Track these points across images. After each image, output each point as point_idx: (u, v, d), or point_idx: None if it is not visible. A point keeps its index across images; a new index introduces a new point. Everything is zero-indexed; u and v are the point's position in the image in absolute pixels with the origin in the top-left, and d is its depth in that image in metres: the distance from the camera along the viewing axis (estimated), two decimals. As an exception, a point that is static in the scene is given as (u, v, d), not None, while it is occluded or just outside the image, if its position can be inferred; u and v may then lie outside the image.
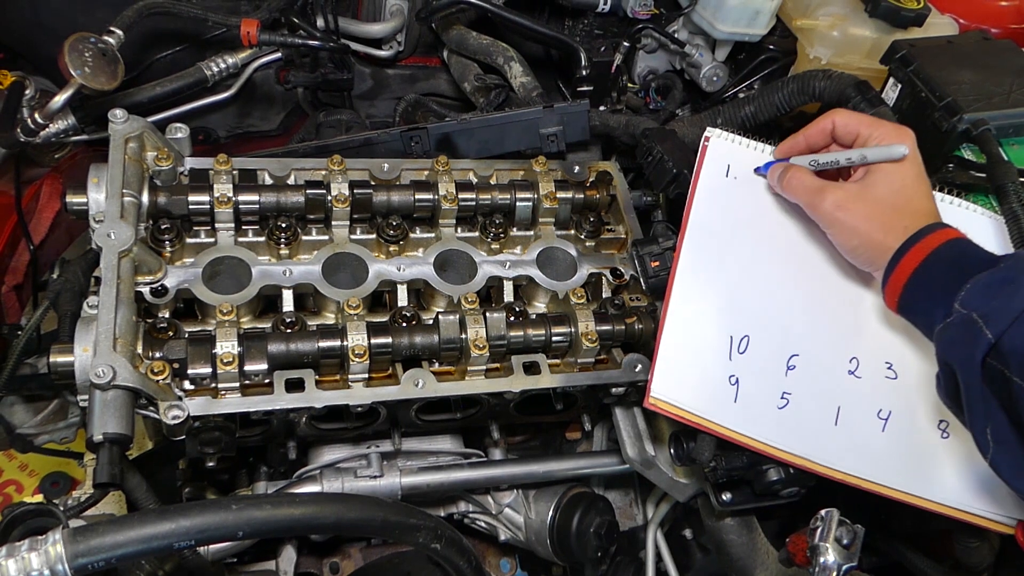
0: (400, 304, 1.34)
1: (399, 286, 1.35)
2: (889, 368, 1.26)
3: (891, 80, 1.54)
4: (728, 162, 1.33)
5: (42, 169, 1.79)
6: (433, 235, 1.42)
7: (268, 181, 1.39)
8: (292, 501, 0.98)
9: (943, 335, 1.04)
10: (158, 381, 1.10)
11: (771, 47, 1.80)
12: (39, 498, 1.76)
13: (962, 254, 1.08)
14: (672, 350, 1.24)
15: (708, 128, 1.34)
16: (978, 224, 1.32)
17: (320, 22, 1.77)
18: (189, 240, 1.30)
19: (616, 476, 1.73)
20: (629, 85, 1.91)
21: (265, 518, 0.94)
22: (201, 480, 1.48)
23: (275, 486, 1.43)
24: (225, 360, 1.15)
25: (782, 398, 1.24)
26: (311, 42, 1.65)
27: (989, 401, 0.97)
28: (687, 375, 1.23)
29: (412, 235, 1.40)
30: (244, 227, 1.34)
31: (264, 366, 1.18)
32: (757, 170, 1.32)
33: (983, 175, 1.35)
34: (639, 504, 1.79)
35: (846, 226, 1.19)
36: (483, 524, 1.64)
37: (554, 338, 1.31)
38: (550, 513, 1.56)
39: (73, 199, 1.24)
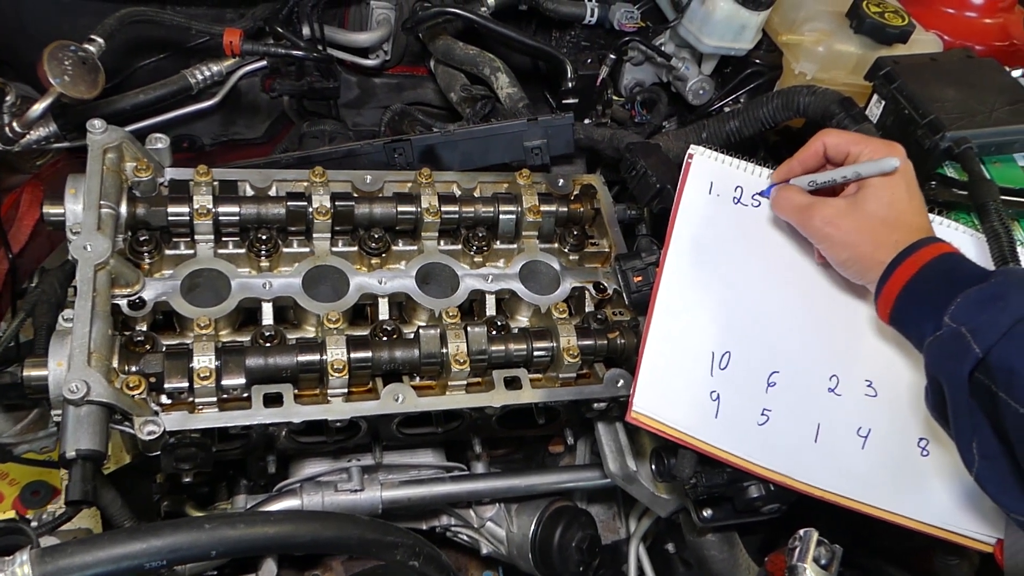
0: (381, 317, 1.33)
1: (380, 299, 1.34)
2: (869, 386, 1.26)
3: (875, 96, 1.54)
4: (711, 179, 1.33)
5: (23, 176, 1.78)
6: (415, 248, 1.41)
7: (249, 192, 1.38)
8: (267, 519, 0.97)
9: (932, 348, 1.05)
10: (133, 396, 1.09)
11: (757, 61, 1.81)
12: (12, 514, 1.74)
13: (953, 268, 1.09)
14: (654, 365, 1.24)
15: (692, 146, 1.34)
16: (959, 242, 1.31)
17: (306, 31, 1.77)
18: (168, 252, 1.29)
19: (599, 489, 1.73)
20: (615, 98, 1.91)
21: (239, 537, 0.94)
22: (180, 494, 1.46)
23: (255, 500, 1.42)
24: (202, 374, 1.14)
25: (762, 415, 1.24)
26: (294, 51, 1.64)
27: (975, 415, 0.98)
28: (669, 390, 1.23)
29: (394, 248, 1.39)
30: (224, 239, 1.33)
31: (242, 380, 1.17)
32: (762, 194, 1.32)
33: (965, 193, 1.35)
34: (622, 518, 1.79)
35: (836, 241, 1.19)
36: (465, 537, 1.63)
37: (536, 353, 1.31)
38: (532, 527, 1.55)
39: (50, 210, 1.23)
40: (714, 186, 1.32)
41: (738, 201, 1.32)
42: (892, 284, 1.12)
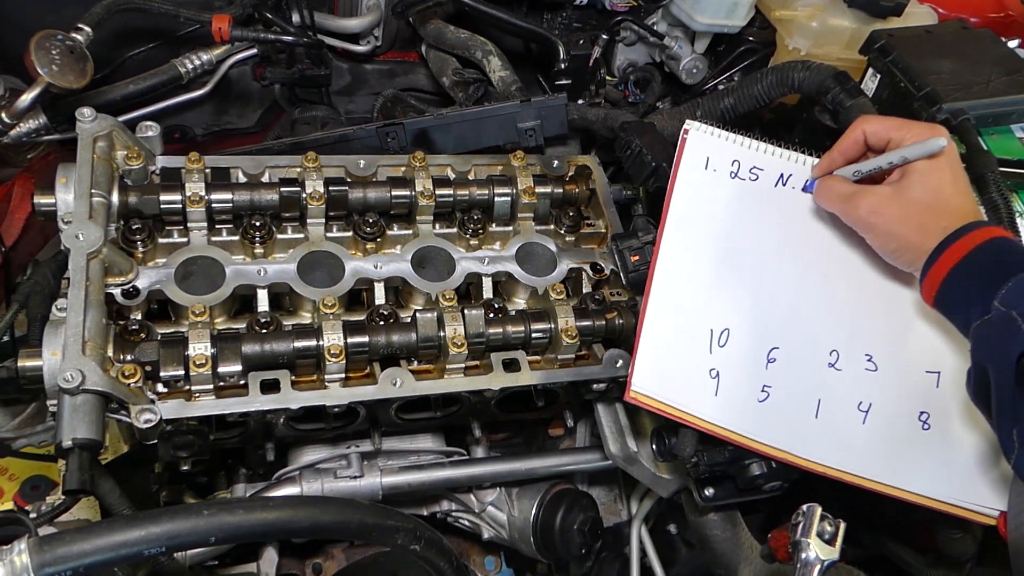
0: (378, 302, 1.33)
1: (376, 284, 1.33)
2: (869, 360, 1.25)
3: (870, 70, 1.53)
4: (707, 154, 1.32)
5: (14, 169, 1.76)
6: (410, 232, 1.41)
7: (242, 179, 1.37)
8: (265, 505, 0.96)
9: (979, 332, 1.03)
10: (129, 384, 1.08)
11: (750, 38, 1.80)
12: (9, 505, 1.74)
13: (1006, 251, 1.06)
14: (653, 343, 1.23)
15: (687, 121, 1.33)
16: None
17: (295, 17, 1.75)
18: (161, 240, 1.28)
19: (600, 472, 1.73)
20: (608, 78, 1.90)
21: (238, 523, 0.93)
22: (179, 483, 1.46)
23: (254, 488, 1.41)
24: (198, 362, 1.13)
25: (762, 391, 1.23)
26: (285, 37, 1.63)
27: (1019, 401, 0.95)
28: (668, 368, 1.23)
29: (389, 232, 1.38)
30: (217, 226, 1.32)
31: (238, 367, 1.16)
32: (804, 188, 1.30)
33: (963, 165, 1.34)
34: (623, 499, 1.79)
35: (882, 231, 1.17)
36: (466, 522, 1.63)
37: (534, 335, 1.30)
38: (533, 511, 1.55)
39: (41, 200, 1.22)
40: (710, 161, 1.31)
41: (735, 175, 1.31)
42: (939, 267, 1.09)
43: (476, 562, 1.79)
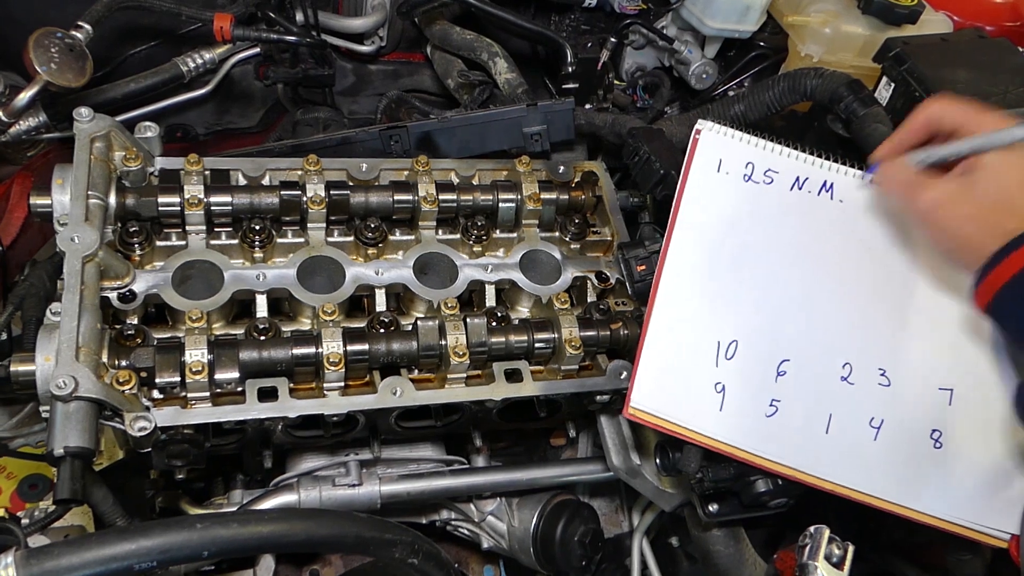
0: (378, 309, 1.30)
1: (377, 290, 1.31)
2: (882, 375, 1.22)
3: (884, 79, 1.50)
4: (720, 156, 1.27)
5: (14, 167, 1.75)
6: (413, 237, 1.38)
7: (242, 182, 1.34)
8: (260, 519, 0.94)
9: None
10: (124, 391, 1.06)
11: (762, 44, 1.77)
12: (1, 511, 1.72)
13: None
14: (655, 357, 1.20)
15: (699, 121, 1.29)
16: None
17: (299, 16, 1.73)
18: (159, 243, 1.26)
19: (602, 482, 1.70)
20: (616, 82, 1.88)
21: (231, 537, 0.91)
22: (175, 490, 1.44)
23: (251, 495, 1.40)
24: (194, 369, 1.11)
25: (771, 405, 1.20)
26: (287, 37, 1.61)
27: None
28: (670, 383, 1.19)
29: (391, 237, 1.36)
30: (216, 229, 1.30)
31: (235, 374, 1.14)
32: (867, 171, 1.24)
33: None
34: (625, 511, 1.76)
35: (944, 227, 1.09)
36: (466, 532, 1.61)
37: (537, 344, 1.28)
38: (534, 521, 1.53)
39: (37, 201, 1.20)
40: (723, 163, 1.26)
41: (749, 179, 1.26)
42: (999, 272, 1.02)
43: (475, 571, 1.77)
